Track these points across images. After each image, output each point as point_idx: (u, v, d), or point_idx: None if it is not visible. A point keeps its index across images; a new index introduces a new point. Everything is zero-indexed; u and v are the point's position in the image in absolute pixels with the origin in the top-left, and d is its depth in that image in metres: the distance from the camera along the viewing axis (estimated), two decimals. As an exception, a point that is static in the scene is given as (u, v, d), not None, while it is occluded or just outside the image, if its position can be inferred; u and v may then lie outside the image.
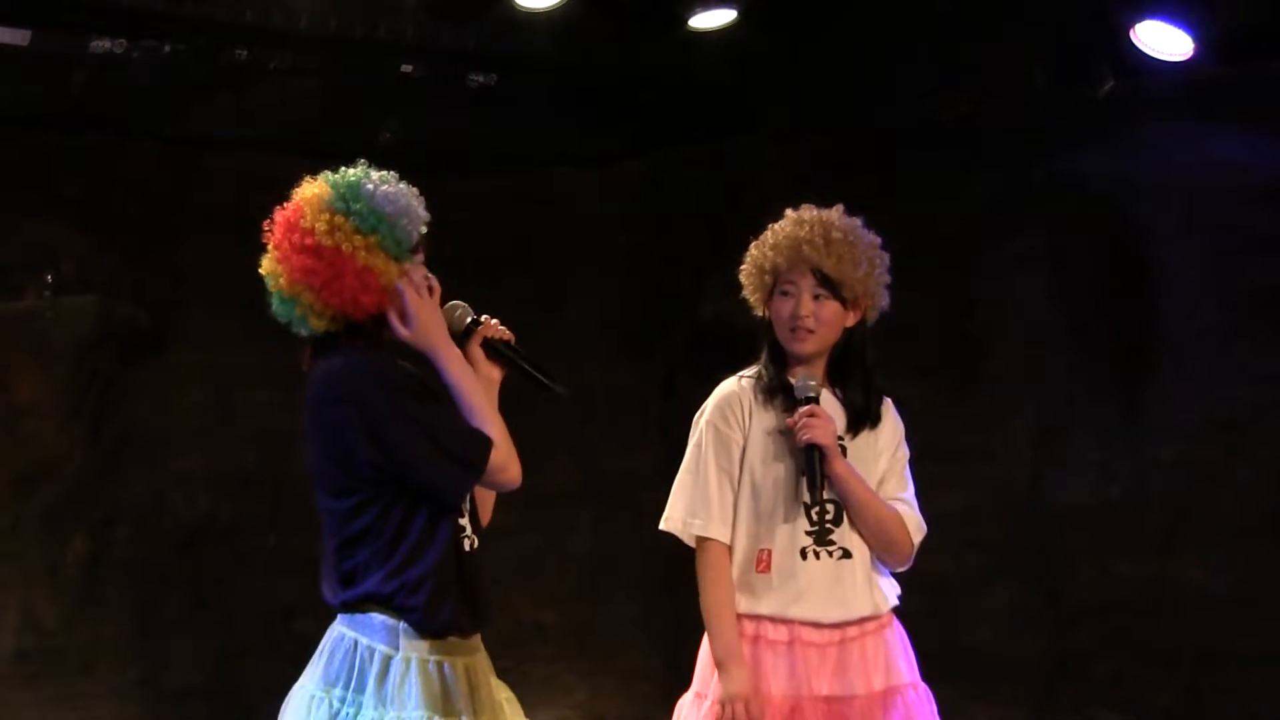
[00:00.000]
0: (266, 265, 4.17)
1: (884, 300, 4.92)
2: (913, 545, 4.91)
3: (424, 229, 4.23)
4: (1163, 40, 7.42)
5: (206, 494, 8.82)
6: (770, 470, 4.88)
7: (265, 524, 8.76)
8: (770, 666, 4.84)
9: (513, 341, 4.40)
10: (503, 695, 4.40)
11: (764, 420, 4.90)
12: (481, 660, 4.32)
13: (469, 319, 4.38)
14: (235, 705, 8.12)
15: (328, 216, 4.09)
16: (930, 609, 8.31)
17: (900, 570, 4.98)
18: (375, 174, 4.20)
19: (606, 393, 9.24)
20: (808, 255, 4.81)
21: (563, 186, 9.51)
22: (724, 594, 4.89)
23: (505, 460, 4.16)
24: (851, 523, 4.85)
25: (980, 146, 8.44)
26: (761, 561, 4.85)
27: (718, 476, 4.93)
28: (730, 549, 4.91)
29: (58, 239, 8.55)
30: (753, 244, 4.95)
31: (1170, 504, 8.02)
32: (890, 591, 4.95)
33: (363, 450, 4.07)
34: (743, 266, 4.96)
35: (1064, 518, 8.28)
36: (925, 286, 8.38)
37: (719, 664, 4.84)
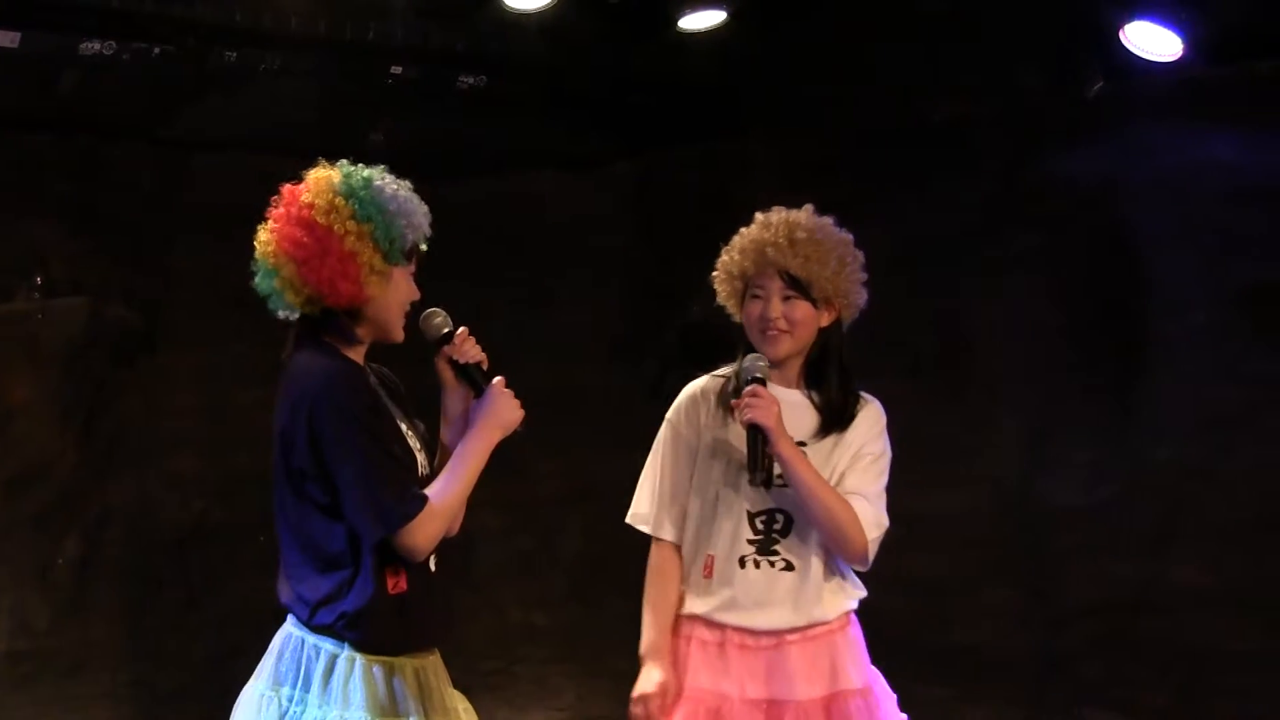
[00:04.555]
0: (262, 234, 4.20)
1: (860, 299, 4.91)
2: (867, 541, 4.80)
3: (423, 242, 4.25)
4: (1152, 41, 7.43)
5: (198, 495, 8.82)
6: (719, 474, 4.86)
7: (256, 524, 8.72)
8: (699, 663, 4.84)
9: (484, 364, 4.39)
10: (459, 704, 4.40)
11: (721, 423, 4.89)
12: (434, 663, 4.33)
13: (445, 330, 4.37)
14: (227, 706, 8.13)
15: (329, 197, 4.13)
16: (922, 609, 8.37)
17: (860, 568, 4.92)
18: (390, 176, 4.24)
19: (597, 395, 9.25)
20: (773, 257, 4.80)
21: (553, 188, 9.51)
22: (658, 593, 4.93)
23: (428, 529, 4.13)
24: (801, 533, 4.81)
25: (970, 147, 8.45)
26: (707, 566, 4.85)
27: (669, 476, 4.96)
28: (680, 549, 4.93)
29: (48, 241, 8.54)
30: (724, 249, 4.95)
31: (1162, 504, 8.02)
32: (843, 599, 4.90)
33: (300, 457, 4.10)
34: (714, 273, 4.96)
35: (1056, 518, 8.27)
36: (916, 287, 8.41)
37: (640, 659, 4.87)
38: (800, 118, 8.71)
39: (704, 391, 4.97)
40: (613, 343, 9.46)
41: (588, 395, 9.22)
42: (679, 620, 4.92)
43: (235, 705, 4.31)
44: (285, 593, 4.25)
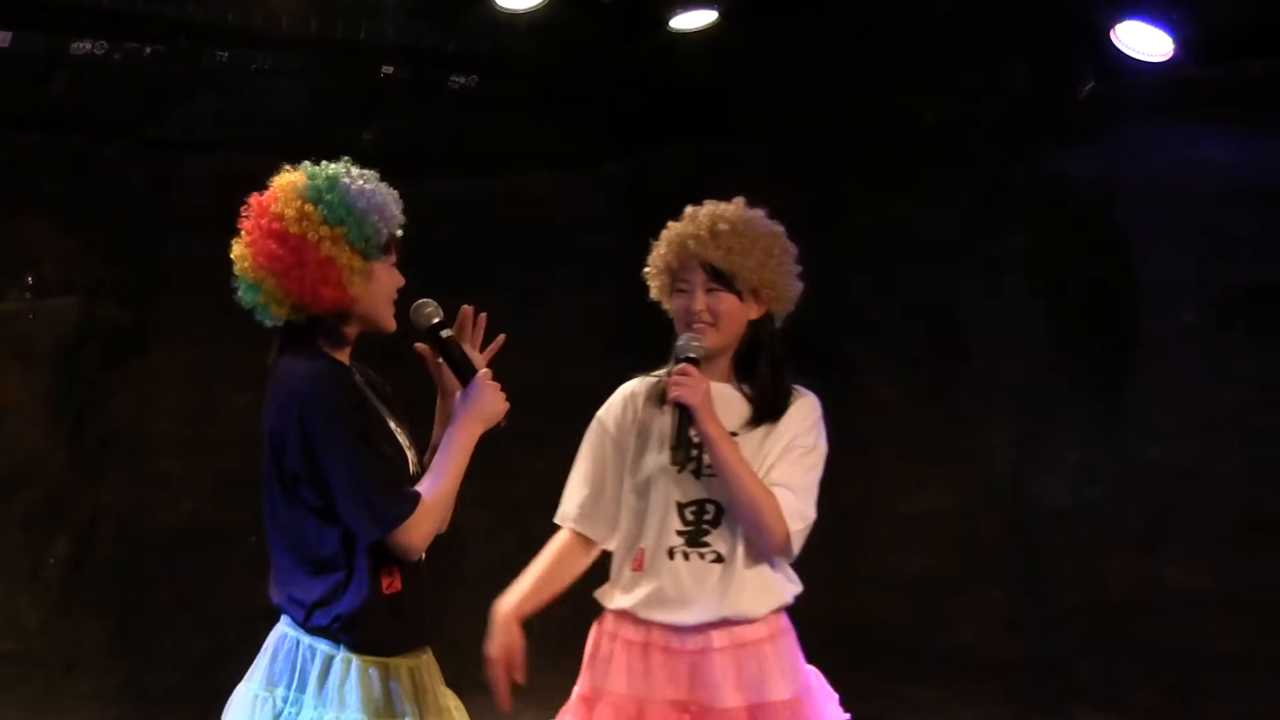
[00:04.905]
0: (237, 249, 4.16)
1: (793, 292, 4.83)
2: (789, 532, 4.67)
3: (399, 231, 4.24)
4: (1143, 41, 7.43)
5: (189, 495, 8.81)
6: (650, 470, 4.80)
7: (247, 525, 8.68)
8: (624, 666, 4.79)
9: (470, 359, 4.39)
10: (450, 702, 4.39)
11: (651, 419, 4.85)
12: (428, 662, 4.33)
13: (435, 320, 4.36)
14: (218, 707, 8.12)
15: (299, 204, 4.09)
16: (913, 609, 8.36)
17: (783, 559, 4.79)
18: (356, 170, 4.20)
19: (588, 394, 9.22)
20: (695, 250, 4.76)
21: (544, 188, 9.51)
22: (541, 563, 4.97)
23: (423, 528, 4.13)
24: (731, 524, 4.72)
25: (961, 147, 8.44)
26: (638, 560, 4.79)
27: (592, 471, 4.94)
28: (589, 542, 4.93)
29: (39, 240, 8.54)
30: (654, 245, 4.91)
31: (1152, 504, 8.02)
32: (772, 596, 4.80)
33: (292, 460, 4.08)
34: (645, 269, 4.93)
35: (1046, 518, 8.28)
36: (907, 287, 8.41)
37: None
38: (792, 118, 8.70)
39: (634, 392, 4.94)
40: (603, 342, 9.45)
41: (578, 395, 9.16)
42: (606, 616, 4.88)
43: (228, 705, 4.30)
44: (278, 595, 4.23)
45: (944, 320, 8.56)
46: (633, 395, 4.94)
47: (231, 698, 4.29)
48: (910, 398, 8.55)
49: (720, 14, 7.84)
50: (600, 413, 4.97)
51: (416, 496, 4.12)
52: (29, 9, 7.43)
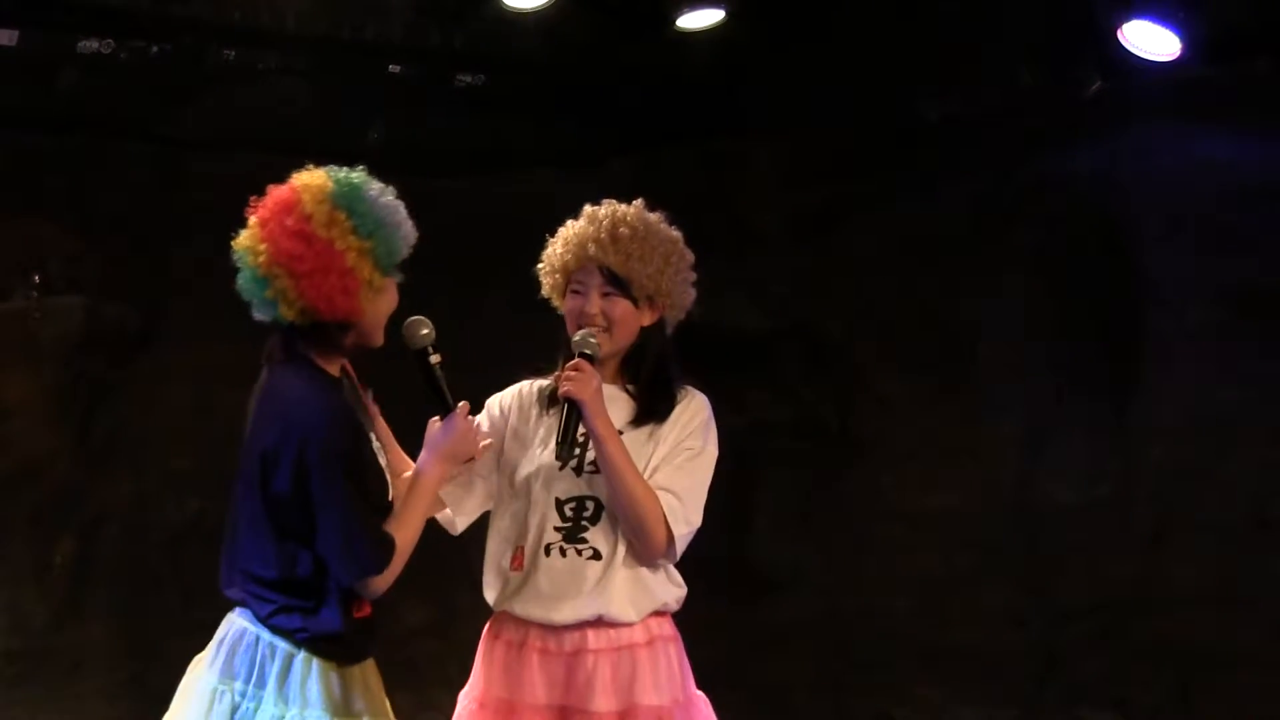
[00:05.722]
0: (245, 240, 4.11)
1: (687, 299, 4.78)
2: (673, 535, 4.61)
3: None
4: (1150, 40, 7.42)
5: (194, 494, 8.80)
6: (532, 469, 4.71)
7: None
8: (501, 667, 4.72)
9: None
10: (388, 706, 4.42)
11: (537, 420, 4.79)
12: (372, 666, 4.35)
13: (426, 343, 4.38)
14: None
15: (328, 209, 4.05)
16: (918, 608, 8.36)
17: (665, 561, 4.71)
18: (375, 183, 4.17)
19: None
20: (594, 253, 4.71)
21: (550, 187, 9.48)
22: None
23: (392, 574, 4.18)
24: (611, 521, 4.65)
25: (968, 146, 8.44)
26: (515, 558, 4.72)
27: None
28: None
29: (45, 239, 8.54)
30: (550, 242, 4.85)
31: (1158, 503, 8.02)
32: (650, 598, 4.72)
33: (282, 483, 4.08)
34: (539, 265, 4.88)
35: (1052, 517, 8.28)
36: (912, 286, 8.41)
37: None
38: (797, 117, 8.70)
39: (525, 387, 4.87)
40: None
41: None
42: (492, 618, 4.82)
43: (181, 690, 4.32)
44: (239, 591, 4.26)
45: (950, 319, 8.56)
46: (520, 392, 4.87)
47: (184, 682, 4.32)
48: (915, 397, 8.55)
49: (727, 12, 7.83)
50: (489, 402, 4.85)
51: (393, 545, 4.14)
52: (35, 7, 7.44)
